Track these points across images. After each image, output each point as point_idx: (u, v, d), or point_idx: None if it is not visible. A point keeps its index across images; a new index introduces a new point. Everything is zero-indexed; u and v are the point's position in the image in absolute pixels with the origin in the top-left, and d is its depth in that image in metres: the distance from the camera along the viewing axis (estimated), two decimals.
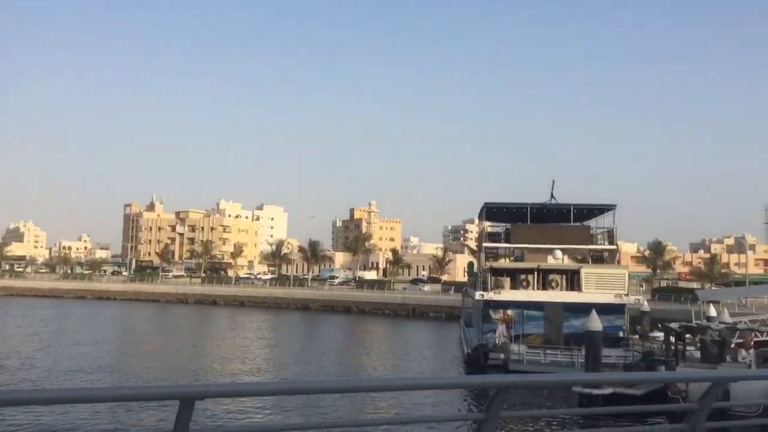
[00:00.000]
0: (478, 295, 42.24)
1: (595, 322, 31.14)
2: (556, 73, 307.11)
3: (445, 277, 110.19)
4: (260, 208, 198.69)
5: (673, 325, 31.24)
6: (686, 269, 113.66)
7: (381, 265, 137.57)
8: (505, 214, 50.22)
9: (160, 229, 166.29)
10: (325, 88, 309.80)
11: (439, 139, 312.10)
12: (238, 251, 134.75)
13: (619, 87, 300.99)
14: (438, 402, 25.83)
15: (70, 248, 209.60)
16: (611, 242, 46.52)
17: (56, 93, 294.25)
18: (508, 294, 41.17)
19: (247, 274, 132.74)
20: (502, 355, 36.48)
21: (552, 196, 48.68)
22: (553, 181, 49.84)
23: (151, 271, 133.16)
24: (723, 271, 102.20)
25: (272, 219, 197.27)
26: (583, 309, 35.40)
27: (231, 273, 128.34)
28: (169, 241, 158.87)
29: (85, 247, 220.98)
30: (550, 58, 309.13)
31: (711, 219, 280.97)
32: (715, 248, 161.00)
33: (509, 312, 41.21)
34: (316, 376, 35.07)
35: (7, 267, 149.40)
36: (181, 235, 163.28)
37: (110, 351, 43.96)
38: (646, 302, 49.98)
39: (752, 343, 32.28)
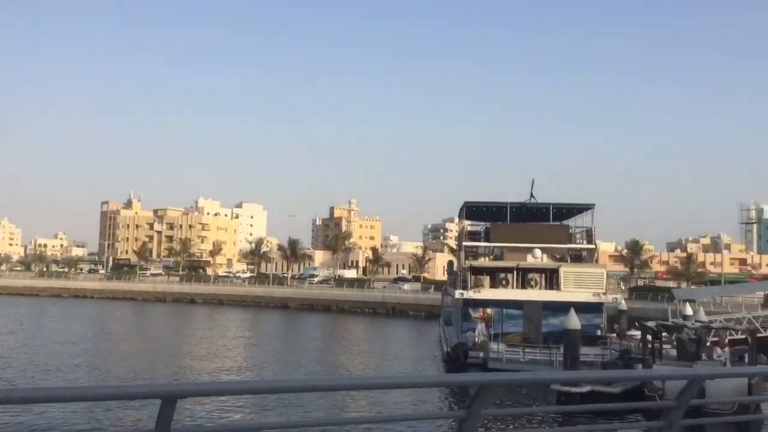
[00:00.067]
0: (457, 293, 42.40)
1: (574, 321, 31.41)
2: (537, 74, 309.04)
3: (424, 276, 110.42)
4: (239, 206, 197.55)
5: (650, 324, 31.62)
6: (663, 268, 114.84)
7: (361, 264, 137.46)
8: (485, 213, 50.47)
9: (137, 226, 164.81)
10: (306, 86, 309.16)
11: (419, 138, 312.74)
12: (216, 249, 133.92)
13: (597, 88, 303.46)
14: (417, 400, 25.91)
15: (45, 246, 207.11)
16: (590, 241, 46.92)
17: (32, 89, 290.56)
18: (487, 293, 41.35)
19: (225, 272, 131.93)
20: (481, 354, 36.61)
21: (531, 196, 49.06)
22: (533, 181, 50.25)
23: (129, 269, 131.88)
24: (699, 270, 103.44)
25: (251, 217, 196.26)
26: (562, 308, 35.70)
27: (210, 271, 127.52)
28: (147, 239, 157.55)
29: (61, 245, 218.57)
30: (531, 58, 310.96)
31: (687, 219, 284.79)
32: (692, 248, 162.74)
33: (488, 311, 41.41)
34: (296, 375, 35.01)
35: None
36: (159, 233, 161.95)
37: (87, 350, 43.52)
38: (623, 301, 50.51)
39: (727, 341, 32.78)
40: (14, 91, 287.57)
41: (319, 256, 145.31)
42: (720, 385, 20.43)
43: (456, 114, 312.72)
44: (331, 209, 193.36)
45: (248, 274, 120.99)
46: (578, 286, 40.46)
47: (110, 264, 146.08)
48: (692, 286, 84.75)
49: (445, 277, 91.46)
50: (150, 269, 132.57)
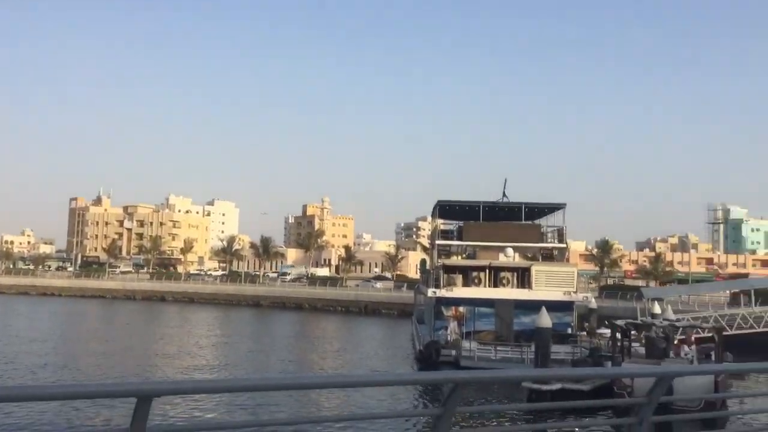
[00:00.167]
0: (430, 292, 42.56)
1: (545, 319, 31.74)
2: (510, 74, 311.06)
3: (397, 274, 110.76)
4: (211, 203, 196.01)
5: (620, 322, 32.08)
6: (632, 267, 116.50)
7: (333, 262, 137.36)
8: (458, 212, 50.74)
9: (107, 223, 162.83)
10: (278, 83, 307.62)
11: (392, 136, 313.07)
12: (188, 247, 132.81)
13: (568, 89, 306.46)
14: (391, 398, 25.98)
15: (12, 243, 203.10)
16: (561, 240, 47.42)
17: None
18: (460, 291, 41.55)
19: (197, 270, 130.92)
20: (453, 352, 36.77)
21: (504, 195, 49.44)
22: (506, 180, 50.66)
23: (98, 266, 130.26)
24: (667, 269, 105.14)
25: (223, 215, 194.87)
26: (534, 306, 36.05)
27: (181, 269, 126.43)
28: (116, 237, 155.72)
29: (29, 242, 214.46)
30: (503, 57, 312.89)
31: (656, 219, 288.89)
32: (660, 247, 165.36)
33: (461, 309, 41.60)
34: (269, 373, 34.86)
35: None
36: (129, 230, 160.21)
37: (56, 349, 42.88)
38: (593, 300, 51.17)
39: (693, 339, 33.41)
40: None
41: (292, 254, 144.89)
42: (687, 382, 20.82)
43: (429, 112, 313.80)
44: (304, 207, 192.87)
45: (220, 272, 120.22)
46: (549, 284, 40.84)
47: (79, 261, 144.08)
48: (660, 285, 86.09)
49: (417, 276, 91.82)
50: (119, 267, 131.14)
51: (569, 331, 40.21)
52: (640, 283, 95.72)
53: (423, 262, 76.17)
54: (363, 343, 50.58)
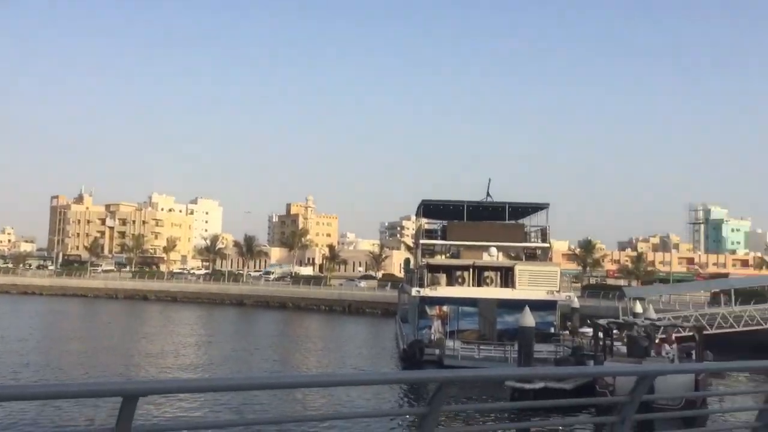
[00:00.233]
0: (414, 291, 42.63)
1: (528, 319, 31.89)
2: (494, 74, 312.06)
3: (380, 273, 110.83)
4: (194, 201, 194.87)
5: (602, 322, 32.31)
6: (614, 267, 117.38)
7: (317, 261, 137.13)
8: (442, 211, 50.87)
9: (89, 222, 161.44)
10: (262, 81, 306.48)
11: (377, 136, 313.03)
12: (171, 246, 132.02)
13: (550, 90, 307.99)
14: (374, 398, 26.00)
15: None
16: (544, 240, 47.69)
17: None
18: (443, 290, 41.66)
19: (180, 269, 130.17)
20: (437, 351, 36.88)
21: (488, 195, 49.64)
22: (489, 180, 50.89)
23: (79, 265, 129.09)
24: (649, 269, 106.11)
25: (207, 213, 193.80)
26: (517, 305, 36.18)
27: (163, 268, 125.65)
28: (98, 235, 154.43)
29: (9, 240, 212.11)
30: (486, 58, 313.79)
31: (638, 219, 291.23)
32: (642, 247, 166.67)
33: (445, 308, 41.75)
34: (252, 373, 34.75)
35: None
36: (111, 228, 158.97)
37: (37, 348, 42.48)
38: (576, 299, 51.51)
39: (673, 338, 33.74)
40: None
41: (276, 253, 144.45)
42: (668, 381, 21.01)
43: (414, 112, 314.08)
44: (288, 206, 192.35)
45: (203, 271, 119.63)
46: (533, 284, 41.03)
47: (60, 260, 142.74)
48: (642, 285, 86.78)
49: (401, 275, 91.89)
50: (101, 265, 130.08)
51: (552, 330, 40.45)
52: (622, 282, 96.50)
53: (407, 261, 76.15)
54: (347, 343, 50.58)
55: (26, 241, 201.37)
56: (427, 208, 49.88)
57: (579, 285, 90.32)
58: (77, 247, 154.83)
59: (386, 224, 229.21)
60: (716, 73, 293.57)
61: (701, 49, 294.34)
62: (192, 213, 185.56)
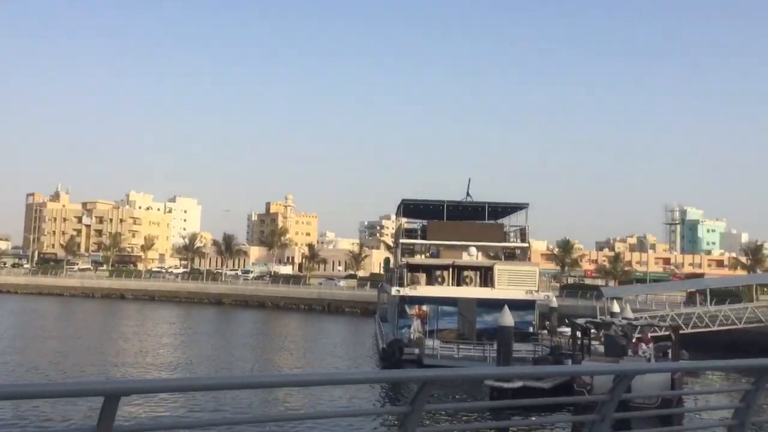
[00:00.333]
0: (394, 290, 42.64)
1: (507, 318, 32.03)
2: (470, 73, 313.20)
3: (360, 273, 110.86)
4: (173, 200, 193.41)
5: (580, 321, 32.53)
6: (592, 267, 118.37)
7: (297, 260, 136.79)
8: (422, 210, 50.96)
9: (65, 220, 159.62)
10: (241, 79, 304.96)
11: (357, 135, 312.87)
12: (148, 244, 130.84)
13: (530, 89, 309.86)
14: (353, 397, 25.96)
15: None
16: (523, 240, 47.95)
17: None
18: (423, 290, 41.70)
19: (158, 267, 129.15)
20: (416, 350, 36.92)
21: (468, 194, 49.80)
22: (469, 180, 51.09)
23: (55, 263, 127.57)
24: (626, 269, 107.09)
25: (185, 212, 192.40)
26: (496, 305, 36.34)
27: (141, 266, 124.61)
28: (74, 233, 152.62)
29: None
30: (464, 58, 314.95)
31: (616, 219, 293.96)
32: (619, 247, 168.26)
33: (424, 307, 41.80)
34: (234, 372, 34.57)
35: None
36: (88, 226, 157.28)
37: (12, 347, 41.87)
38: (554, 298, 51.84)
39: (649, 337, 34.09)
40: None
41: (255, 252, 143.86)
42: (645, 379, 21.23)
43: (394, 111, 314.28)
44: (267, 205, 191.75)
45: (181, 270, 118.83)
46: (512, 283, 41.20)
47: (35, 258, 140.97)
48: (619, 285, 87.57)
49: (381, 274, 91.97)
50: (78, 264, 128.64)
51: (531, 329, 40.66)
52: (599, 282, 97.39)
53: (387, 260, 76.31)
54: (326, 342, 50.50)
55: (1, 239, 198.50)
56: (407, 208, 49.96)
57: (557, 285, 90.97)
58: (53, 246, 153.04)
59: (366, 223, 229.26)
60: (695, 75, 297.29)
61: (682, 50, 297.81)
62: (170, 211, 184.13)
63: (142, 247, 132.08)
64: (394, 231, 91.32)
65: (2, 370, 32.66)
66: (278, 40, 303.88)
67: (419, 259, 46.83)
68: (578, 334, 31.99)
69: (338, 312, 78.44)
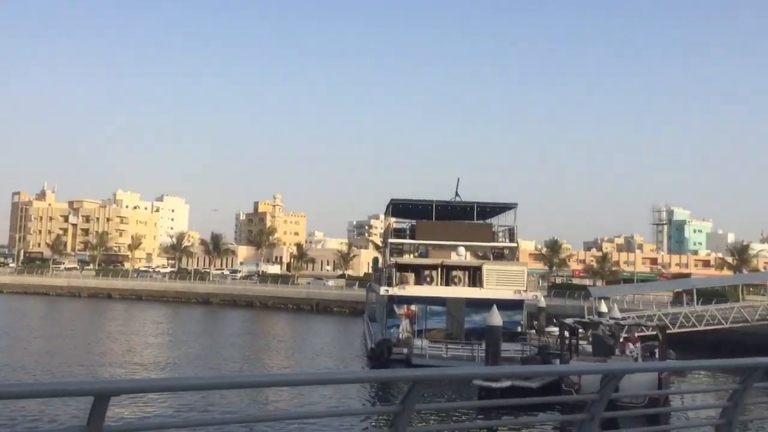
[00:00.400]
0: (382, 290, 42.65)
1: (496, 318, 32.12)
2: (461, 75, 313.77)
3: (349, 272, 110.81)
4: (160, 199, 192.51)
5: (568, 321, 32.66)
6: (580, 267, 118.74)
7: (285, 260, 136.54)
8: (410, 210, 51.02)
9: (51, 219, 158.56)
10: (230, 78, 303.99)
11: (345, 134, 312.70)
12: (136, 243, 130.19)
13: (518, 91, 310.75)
14: (341, 397, 25.92)
15: None
16: (512, 240, 48.08)
17: None
18: (412, 289, 41.74)
19: (145, 267, 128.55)
20: (405, 350, 36.92)
21: (456, 194, 49.92)
22: (458, 180, 51.22)
23: (41, 262, 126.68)
24: (613, 269, 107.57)
25: (173, 211, 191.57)
26: (484, 304, 36.43)
27: (128, 266, 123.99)
28: (61, 232, 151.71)
29: None
30: (456, 58, 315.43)
31: (603, 220, 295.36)
32: (607, 247, 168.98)
33: (413, 307, 41.81)
34: (224, 372, 34.44)
35: None
36: (75, 225, 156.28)
37: None
38: (542, 298, 51.99)
39: (636, 337, 34.29)
40: None
41: (243, 251, 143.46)
42: (632, 379, 21.33)
43: (383, 111, 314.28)
44: (256, 204, 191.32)
45: (169, 270, 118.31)
46: (500, 283, 41.32)
47: (21, 257, 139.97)
48: (607, 285, 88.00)
49: (370, 273, 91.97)
50: (64, 263, 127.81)
51: (519, 329, 40.80)
52: (587, 282, 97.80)
53: (375, 260, 76.46)
54: (314, 341, 50.42)
55: None
56: (396, 208, 49.99)
57: (545, 284, 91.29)
58: (39, 245, 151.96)
59: (354, 223, 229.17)
60: (682, 76, 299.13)
61: (668, 51, 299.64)
62: (158, 211, 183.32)
63: (129, 246, 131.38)
64: (382, 231, 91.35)
65: None
66: (263, 39, 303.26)
67: (408, 258, 46.87)
68: (566, 333, 32.10)
69: (327, 312, 78.35)
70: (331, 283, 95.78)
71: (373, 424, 20.21)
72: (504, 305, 36.51)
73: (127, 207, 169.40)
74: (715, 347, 41.98)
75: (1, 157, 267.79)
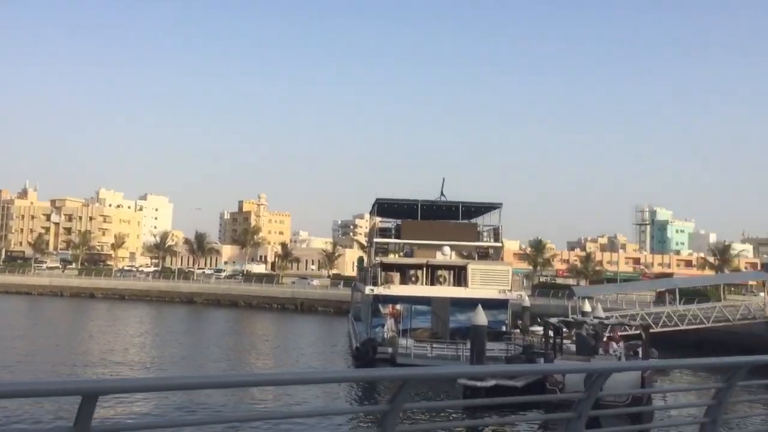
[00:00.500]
0: (368, 289, 42.62)
1: (481, 317, 32.18)
2: (444, 75, 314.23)
3: (334, 272, 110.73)
4: (144, 198, 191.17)
5: (552, 320, 32.79)
6: (564, 266, 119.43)
7: (270, 259, 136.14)
8: (396, 210, 51.03)
9: (33, 217, 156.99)
10: (214, 78, 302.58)
11: (330, 133, 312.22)
12: (119, 242, 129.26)
13: (502, 92, 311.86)
14: (326, 396, 25.90)
15: None
16: (496, 239, 48.19)
17: None
18: (397, 289, 41.72)
19: (128, 266, 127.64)
20: (390, 349, 36.92)
21: (442, 194, 49.97)
22: (443, 179, 51.19)
23: (23, 262, 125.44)
24: (597, 268, 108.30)
25: (156, 210, 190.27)
26: (469, 304, 36.50)
27: (112, 264, 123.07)
28: (43, 231, 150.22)
29: None
30: (435, 59, 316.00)
31: (587, 220, 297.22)
32: (590, 247, 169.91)
33: (398, 307, 41.81)
34: (211, 372, 34.28)
35: None
36: (57, 224, 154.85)
37: None
38: (527, 298, 52.23)
39: (618, 336, 34.52)
40: None
41: (227, 250, 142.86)
42: (615, 378, 21.49)
43: (367, 110, 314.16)
44: (240, 203, 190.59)
45: (152, 269, 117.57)
46: (485, 283, 41.41)
47: (2, 256, 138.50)
48: (593, 284, 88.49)
49: (354, 273, 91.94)
50: (46, 262, 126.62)
51: (504, 328, 40.91)
52: (571, 281, 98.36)
53: (360, 259, 76.30)
54: (299, 341, 50.34)
55: None
56: (381, 207, 49.98)
57: (530, 284, 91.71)
58: (21, 243, 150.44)
59: (339, 222, 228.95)
60: (664, 76, 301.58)
61: (651, 52, 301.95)
62: (141, 209, 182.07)
63: (112, 245, 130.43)
64: (367, 230, 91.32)
65: None
66: (245, 38, 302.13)
67: (393, 258, 46.87)
68: (550, 333, 32.24)
69: (311, 311, 78.25)
70: (315, 282, 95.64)
71: (361, 423, 20.24)
72: (489, 305, 36.58)
73: (110, 206, 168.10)
74: (698, 346, 42.40)
75: None
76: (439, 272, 43.50)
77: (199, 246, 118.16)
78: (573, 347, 32.55)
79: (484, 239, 48.79)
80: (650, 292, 71.27)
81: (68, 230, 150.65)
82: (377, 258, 45.48)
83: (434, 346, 37.23)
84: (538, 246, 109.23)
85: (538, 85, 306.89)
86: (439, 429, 11.20)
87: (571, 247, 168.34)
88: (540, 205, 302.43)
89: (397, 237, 47.94)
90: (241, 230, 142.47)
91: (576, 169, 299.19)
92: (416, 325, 40.83)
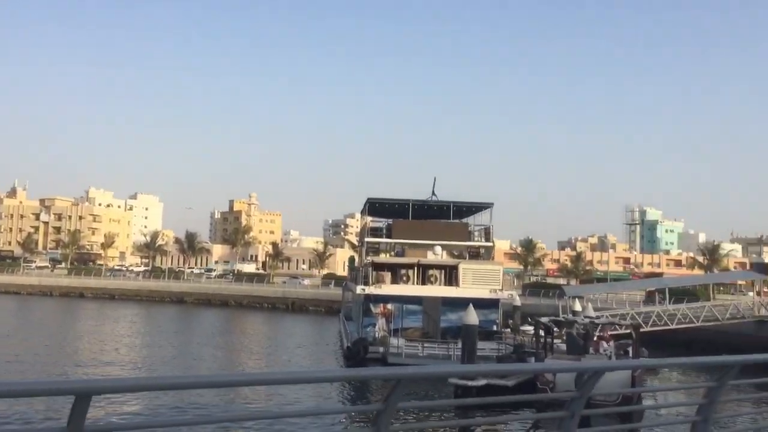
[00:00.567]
0: (359, 289, 42.61)
1: (472, 316, 32.24)
2: (434, 74, 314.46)
3: (325, 271, 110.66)
4: (134, 197, 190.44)
5: (543, 320, 32.90)
6: (554, 266, 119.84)
7: (261, 259, 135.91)
8: (387, 209, 51.08)
9: (22, 217, 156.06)
10: (206, 74, 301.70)
11: (321, 133, 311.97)
12: (108, 242, 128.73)
13: (494, 92, 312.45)
14: (318, 396, 25.87)
15: None
16: (488, 239, 48.29)
17: None
18: (388, 288, 41.74)
19: (118, 265, 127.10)
20: (381, 349, 36.92)
21: (433, 193, 50.05)
22: (435, 179, 51.28)
23: (12, 261, 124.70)
24: (587, 268, 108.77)
25: (146, 209, 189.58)
26: (460, 303, 36.57)
27: (102, 263, 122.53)
28: (32, 230, 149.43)
29: None
30: (428, 59, 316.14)
31: (577, 220, 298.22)
32: (581, 247, 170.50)
33: (389, 306, 41.82)
34: (205, 372, 34.19)
35: None
36: (46, 223, 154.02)
37: None
38: (518, 297, 52.34)
39: (608, 335, 34.66)
40: None
41: (218, 250, 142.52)
42: (606, 377, 21.57)
43: (358, 110, 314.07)
44: (231, 203, 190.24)
45: (142, 268, 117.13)
46: (476, 282, 41.50)
47: None
48: (583, 284, 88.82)
49: (345, 273, 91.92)
50: (35, 262, 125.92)
51: (495, 328, 41.00)
52: (561, 281, 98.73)
53: (352, 259, 76.28)
54: (290, 341, 50.28)
55: None
56: (373, 206, 49.99)
57: (520, 283, 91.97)
58: (9, 243, 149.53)
59: (330, 222, 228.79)
60: (653, 77, 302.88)
61: (641, 52, 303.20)
62: (131, 209, 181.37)
63: (102, 245, 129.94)
64: (358, 230, 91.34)
65: None
66: (237, 37, 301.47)
67: (384, 257, 46.89)
68: (541, 332, 32.33)
69: (302, 311, 78.17)
70: (306, 282, 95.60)
71: (354, 422, 20.24)
72: (480, 304, 36.66)
73: (99, 205, 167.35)
74: (687, 345, 42.63)
75: None
76: (430, 272, 43.55)
77: (190, 245, 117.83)
78: (563, 347, 32.64)
79: (475, 239, 48.90)
80: (640, 291, 71.62)
81: (57, 229, 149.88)
82: (368, 257, 45.48)
83: (425, 345, 37.27)
84: (528, 246, 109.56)
85: (531, 85, 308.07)
86: (430, 428, 11.21)
87: (562, 246, 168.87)
88: (531, 205, 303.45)
89: (389, 236, 47.97)
90: (231, 230, 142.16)
91: (566, 170, 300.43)
92: (407, 325, 40.85)
